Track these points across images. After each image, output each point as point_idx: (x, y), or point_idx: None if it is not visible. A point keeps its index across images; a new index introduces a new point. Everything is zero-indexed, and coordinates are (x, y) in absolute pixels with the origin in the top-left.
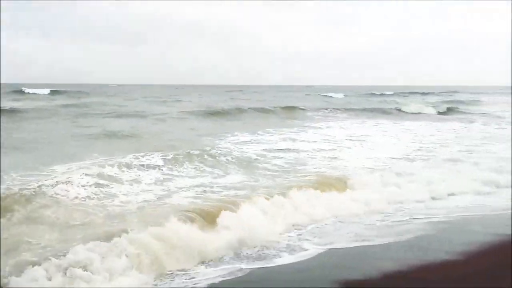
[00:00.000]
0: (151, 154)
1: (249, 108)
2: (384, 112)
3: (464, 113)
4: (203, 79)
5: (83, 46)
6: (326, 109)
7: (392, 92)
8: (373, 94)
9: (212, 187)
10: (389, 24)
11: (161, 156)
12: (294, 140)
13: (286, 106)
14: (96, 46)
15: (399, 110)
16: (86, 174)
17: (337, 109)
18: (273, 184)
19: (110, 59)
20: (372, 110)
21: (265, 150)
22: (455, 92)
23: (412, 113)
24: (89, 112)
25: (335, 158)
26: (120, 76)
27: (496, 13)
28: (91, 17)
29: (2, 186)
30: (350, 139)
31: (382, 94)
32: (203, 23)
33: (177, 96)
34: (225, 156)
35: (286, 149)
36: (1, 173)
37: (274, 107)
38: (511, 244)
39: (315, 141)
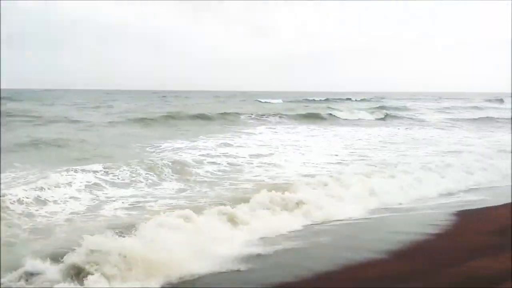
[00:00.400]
0: (82, 163)
1: (183, 114)
2: (319, 118)
3: (396, 118)
4: (135, 84)
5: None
6: (263, 115)
7: (324, 98)
8: (310, 100)
9: (145, 197)
10: (315, 30)
11: (92, 165)
12: (230, 146)
13: (222, 112)
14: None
15: (334, 116)
16: (11, 186)
17: (274, 114)
18: (212, 193)
19: (32, 63)
20: (309, 116)
21: (201, 156)
22: (383, 98)
23: (345, 119)
24: (13, 119)
25: (272, 164)
26: (46, 80)
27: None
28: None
29: None
30: (287, 145)
31: (317, 100)
32: (130, 25)
33: (109, 102)
34: (160, 164)
35: (222, 155)
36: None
37: (209, 112)
38: (433, 243)
39: (251, 147)
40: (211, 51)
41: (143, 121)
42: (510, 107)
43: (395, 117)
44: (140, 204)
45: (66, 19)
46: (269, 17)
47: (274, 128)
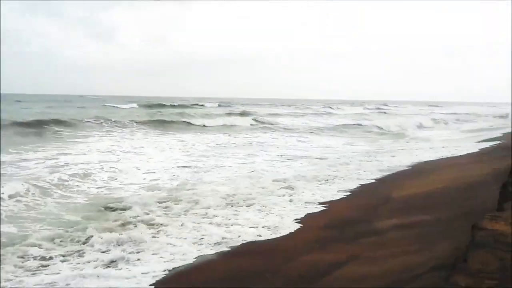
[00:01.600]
0: None
1: (7, 121)
2: (171, 123)
3: (263, 124)
4: None
5: None
6: (109, 121)
7: (176, 104)
8: (165, 106)
9: None
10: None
11: None
12: (66, 155)
13: (55, 118)
14: None
15: (186, 122)
16: None
17: (120, 121)
18: (44, 210)
19: None
20: (158, 122)
21: (29, 170)
22: (229, 103)
23: (198, 125)
24: None
25: (115, 171)
26: None
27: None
28: None
29: None
30: (131, 153)
31: (171, 106)
32: None
33: None
34: None
35: (55, 167)
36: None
37: (41, 119)
38: (267, 242)
39: (92, 155)
40: (48, 53)
41: None
42: (341, 113)
43: (260, 123)
44: None
45: None
46: (112, 20)
47: (115, 136)
